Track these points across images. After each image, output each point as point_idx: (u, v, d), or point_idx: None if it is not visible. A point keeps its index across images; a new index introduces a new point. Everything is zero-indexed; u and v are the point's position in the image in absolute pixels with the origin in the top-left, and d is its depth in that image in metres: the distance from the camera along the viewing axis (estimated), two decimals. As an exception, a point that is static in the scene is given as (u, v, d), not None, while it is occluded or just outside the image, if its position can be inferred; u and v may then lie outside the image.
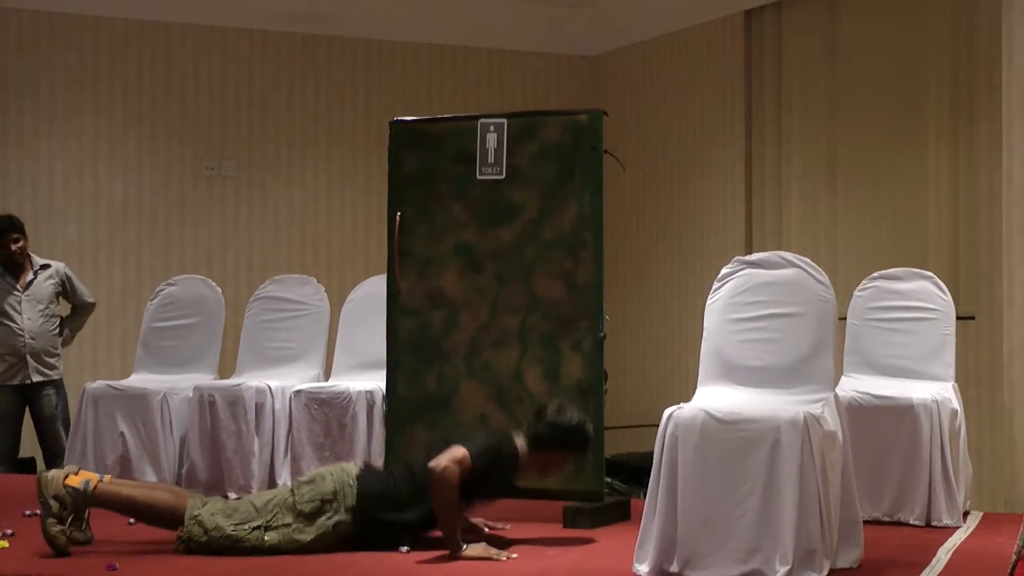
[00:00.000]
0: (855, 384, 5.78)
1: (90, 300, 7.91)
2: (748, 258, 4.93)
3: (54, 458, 7.50)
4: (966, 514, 5.69)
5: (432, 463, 4.77)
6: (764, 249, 8.46)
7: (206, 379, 6.80)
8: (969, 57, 7.83)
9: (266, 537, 4.83)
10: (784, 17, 9.14)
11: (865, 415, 5.49)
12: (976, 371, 7.49)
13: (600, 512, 5.52)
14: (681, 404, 4.43)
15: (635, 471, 7.88)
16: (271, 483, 6.45)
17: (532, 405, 5.68)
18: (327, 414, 6.30)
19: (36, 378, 7.55)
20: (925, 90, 8.15)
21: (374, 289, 6.52)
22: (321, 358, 6.89)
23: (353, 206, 9.88)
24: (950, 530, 5.36)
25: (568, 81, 10.65)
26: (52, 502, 4.81)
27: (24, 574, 4.41)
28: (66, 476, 4.85)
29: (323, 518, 4.87)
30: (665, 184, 10.02)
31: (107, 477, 5.04)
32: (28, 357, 7.53)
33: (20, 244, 7.61)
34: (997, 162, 7.25)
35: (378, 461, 6.10)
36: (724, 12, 9.40)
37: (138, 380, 6.89)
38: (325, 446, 6.29)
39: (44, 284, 7.66)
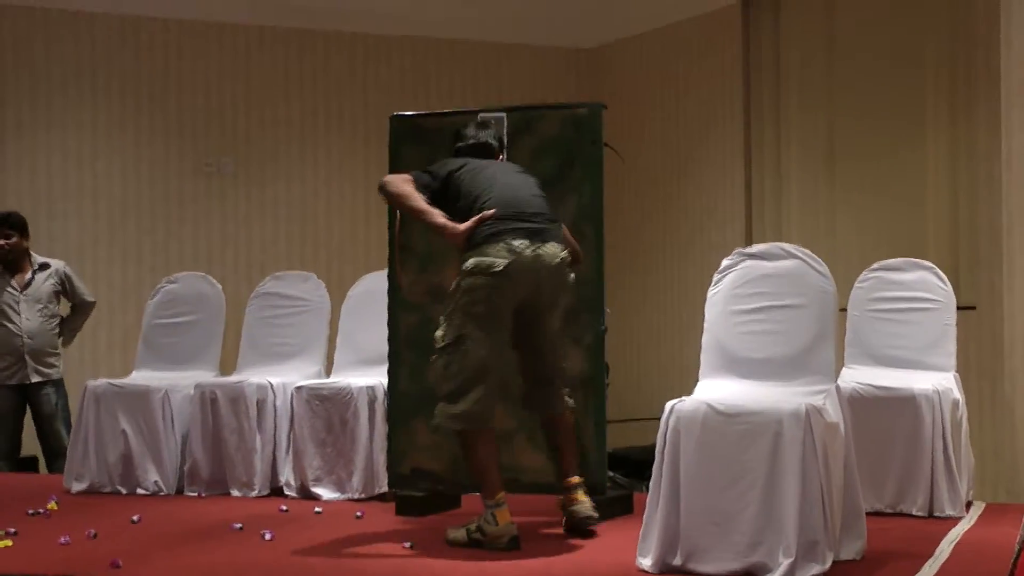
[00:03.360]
0: (856, 375, 5.78)
1: (90, 299, 7.90)
2: (748, 250, 4.93)
3: (55, 457, 7.50)
4: (968, 505, 5.69)
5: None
6: (764, 240, 8.47)
7: (207, 376, 6.80)
8: (967, 41, 7.83)
9: None
10: (782, 6, 9.14)
11: (867, 406, 5.49)
12: (978, 361, 7.49)
13: (603, 506, 5.51)
14: (683, 397, 4.43)
15: (637, 464, 7.88)
16: (274, 480, 6.45)
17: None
18: (329, 410, 6.29)
19: (35, 378, 7.55)
20: (923, 76, 8.15)
21: (375, 284, 6.51)
22: (322, 354, 6.88)
23: (353, 201, 9.87)
24: (953, 521, 5.36)
25: (566, 74, 10.64)
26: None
27: (28, 572, 4.40)
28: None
29: None
30: (664, 176, 10.02)
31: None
32: (27, 357, 7.52)
33: (12, 241, 7.57)
34: (996, 148, 7.24)
35: (379, 458, 6.11)
36: (721, 3, 9.40)
37: (139, 378, 6.88)
38: (327, 442, 6.29)
39: (43, 284, 7.65)
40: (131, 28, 9.56)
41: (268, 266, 8.70)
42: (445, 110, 6.00)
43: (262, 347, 6.93)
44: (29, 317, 7.57)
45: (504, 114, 5.79)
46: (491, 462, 4.89)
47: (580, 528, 5.09)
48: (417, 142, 5.85)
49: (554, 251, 4.97)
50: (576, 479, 5.15)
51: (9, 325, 7.53)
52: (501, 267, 4.83)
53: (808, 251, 4.79)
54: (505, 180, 5.11)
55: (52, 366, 7.63)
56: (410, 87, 10.14)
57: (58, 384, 7.65)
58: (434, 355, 5.00)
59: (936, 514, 5.45)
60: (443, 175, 5.12)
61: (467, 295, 4.88)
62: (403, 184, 5.08)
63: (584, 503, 5.10)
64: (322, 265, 9.18)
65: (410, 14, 9.75)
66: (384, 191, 5.12)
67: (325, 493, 6.26)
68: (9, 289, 7.57)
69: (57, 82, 9.40)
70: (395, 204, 5.22)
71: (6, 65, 9.29)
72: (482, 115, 5.71)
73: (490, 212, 4.91)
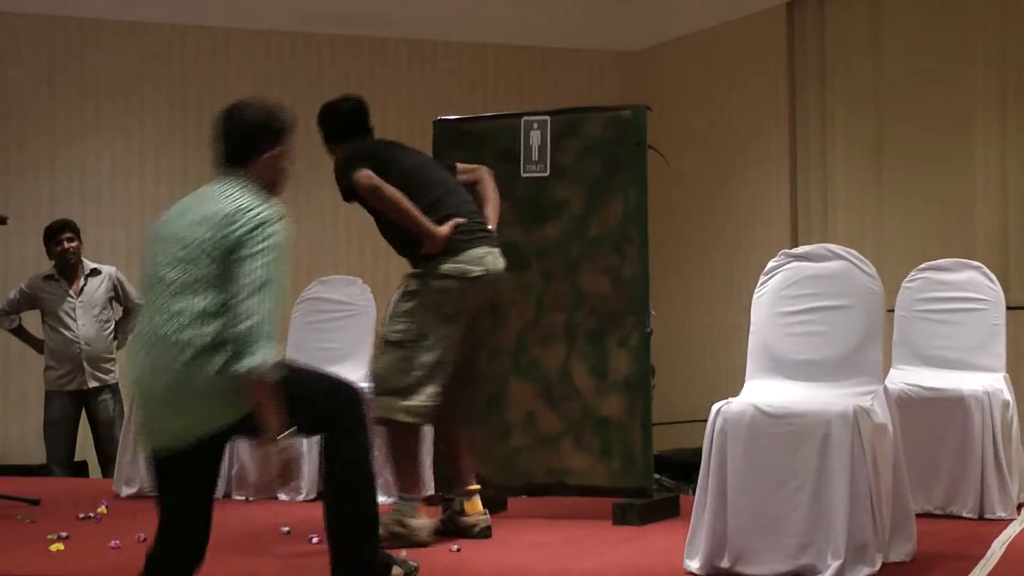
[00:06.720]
0: (905, 376, 5.73)
1: (142, 303, 7.95)
2: (795, 251, 4.90)
3: (110, 462, 7.55)
4: (1020, 507, 5.63)
5: None
6: (809, 241, 8.42)
7: (254, 380, 6.81)
8: (1016, 39, 7.76)
9: None
10: (827, 6, 9.09)
11: (915, 407, 5.44)
12: (1028, 361, 7.41)
13: (649, 509, 5.51)
14: (729, 399, 4.41)
15: (683, 467, 7.86)
16: (321, 484, 6.45)
17: (580, 402, 5.68)
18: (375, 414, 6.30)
19: (92, 383, 7.62)
20: (971, 75, 8.09)
21: (420, 288, 6.51)
22: (368, 358, 6.89)
23: (398, 205, 9.88)
24: (1004, 522, 5.30)
25: (612, 77, 10.63)
26: None
27: (79, 577, 4.45)
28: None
29: None
30: (710, 177, 9.99)
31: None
32: (84, 363, 7.59)
33: (74, 244, 7.66)
34: (1046, 148, 7.18)
35: (427, 461, 6.12)
36: (767, 4, 9.36)
37: (186, 382, 6.90)
38: (374, 446, 6.28)
39: (97, 289, 7.71)
40: (178, 36, 9.64)
41: (314, 270, 8.70)
42: (489, 113, 5.99)
43: (308, 351, 6.93)
44: (85, 323, 7.63)
45: (548, 117, 5.80)
46: (420, 458, 5.21)
47: (468, 535, 5.12)
48: (461, 146, 5.86)
49: (502, 261, 5.14)
50: (476, 486, 5.23)
51: (66, 332, 7.60)
52: (476, 274, 5.01)
53: (854, 252, 4.76)
54: (442, 179, 5.20)
55: (109, 371, 7.70)
56: (455, 92, 10.15)
57: (115, 389, 7.72)
58: (382, 348, 5.11)
59: (987, 516, 5.39)
60: (384, 170, 5.14)
61: (439, 296, 5.01)
62: (386, 185, 5.07)
63: (481, 512, 5.17)
64: (367, 269, 9.19)
65: (455, 19, 9.77)
66: (376, 193, 5.08)
67: (372, 496, 6.26)
68: (65, 296, 7.64)
69: (106, 90, 9.49)
70: (385, 205, 5.12)
71: (57, 73, 9.39)
72: (526, 118, 5.72)
73: (462, 220, 5.05)
